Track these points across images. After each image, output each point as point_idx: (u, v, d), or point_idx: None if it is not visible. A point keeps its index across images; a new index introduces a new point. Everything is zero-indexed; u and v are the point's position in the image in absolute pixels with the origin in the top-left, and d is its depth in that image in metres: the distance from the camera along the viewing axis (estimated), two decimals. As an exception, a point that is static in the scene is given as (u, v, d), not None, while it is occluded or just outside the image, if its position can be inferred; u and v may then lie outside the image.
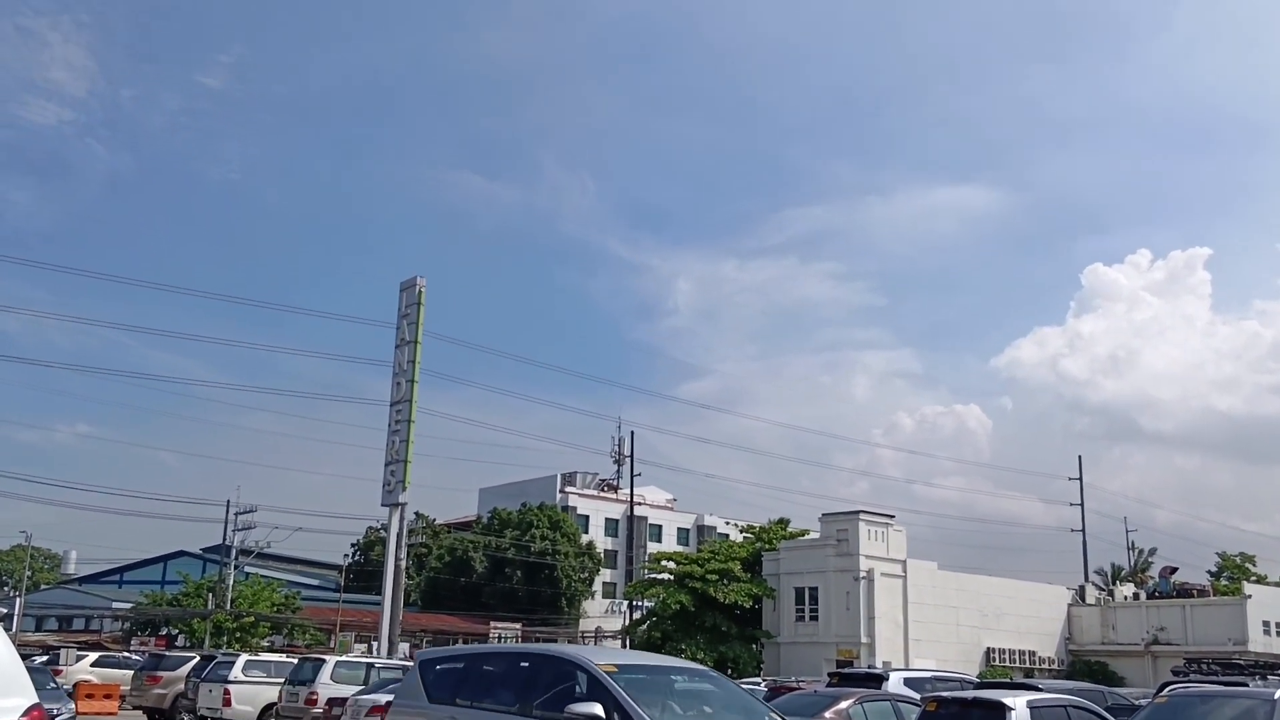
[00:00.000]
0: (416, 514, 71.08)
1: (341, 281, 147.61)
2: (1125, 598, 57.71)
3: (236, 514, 56.93)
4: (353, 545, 77.68)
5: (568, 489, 78.38)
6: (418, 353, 47.62)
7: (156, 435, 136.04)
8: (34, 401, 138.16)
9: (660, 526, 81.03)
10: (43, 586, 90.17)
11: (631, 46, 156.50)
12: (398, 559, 46.14)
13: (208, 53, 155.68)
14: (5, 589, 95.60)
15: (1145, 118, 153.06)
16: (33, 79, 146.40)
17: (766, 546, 54.96)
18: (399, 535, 46.60)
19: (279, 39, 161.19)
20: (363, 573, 68.70)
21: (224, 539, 58.52)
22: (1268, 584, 58.02)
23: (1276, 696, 13.71)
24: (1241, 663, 42.22)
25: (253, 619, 52.65)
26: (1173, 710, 14.09)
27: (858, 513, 51.59)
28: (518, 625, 62.68)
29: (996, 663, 50.80)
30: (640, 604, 58.44)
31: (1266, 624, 49.07)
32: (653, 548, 72.92)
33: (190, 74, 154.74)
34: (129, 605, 60.28)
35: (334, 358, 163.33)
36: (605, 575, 75.37)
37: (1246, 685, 19.55)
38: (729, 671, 40.92)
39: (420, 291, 48.03)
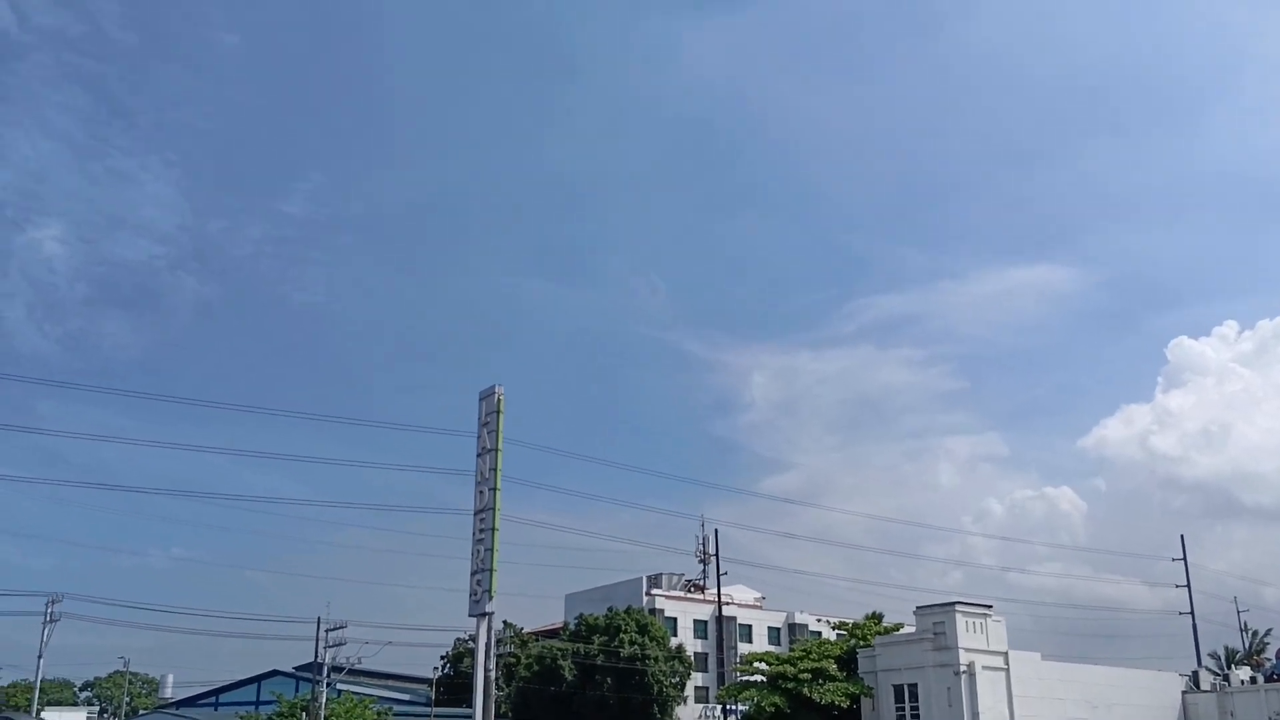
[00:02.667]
0: (504, 623, 70.82)
1: (423, 394, 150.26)
2: (1242, 682, 55.05)
3: (327, 630, 57.27)
4: (442, 658, 77.43)
5: (654, 591, 77.55)
6: (499, 460, 48.01)
7: (248, 555, 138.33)
8: (131, 528, 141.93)
9: (750, 626, 79.56)
10: (141, 712, 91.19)
11: (694, 149, 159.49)
12: (487, 670, 45.89)
13: (287, 181, 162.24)
14: (106, 715, 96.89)
15: (1217, 187, 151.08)
16: (125, 217, 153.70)
17: (861, 643, 53.62)
18: (487, 646, 46.43)
19: (353, 163, 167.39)
20: (453, 685, 68.26)
21: (316, 656, 58.78)
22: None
23: None
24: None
25: (346, 738, 52.54)
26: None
27: (953, 604, 50.18)
28: (610, 734, 61.57)
29: (1112, 756, 48.62)
30: (734, 707, 57.17)
31: (1399, 705, 46.41)
32: (743, 648, 71.56)
33: (272, 203, 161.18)
34: (225, 728, 60.59)
35: (419, 469, 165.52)
36: (697, 679, 73.93)
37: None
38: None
39: (499, 400, 48.64)
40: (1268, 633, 70.36)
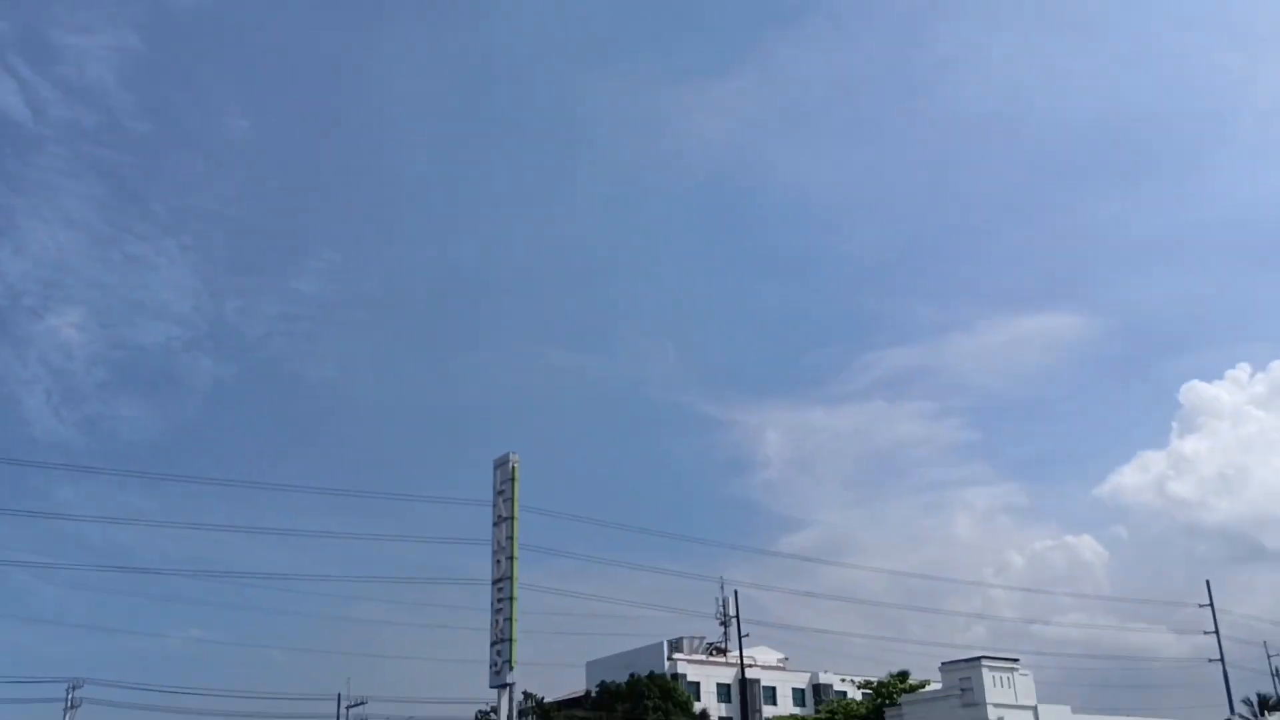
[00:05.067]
0: (525, 693, 69.96)
1: (439, 466, 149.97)
2: (1279, 730, 54.00)
3: (348, 707, 56.78)
4: (463, 730, 76.48)
5: (675, 656, 76.64)
6: (515, 528, 47.84)
7: (266, 634, 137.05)
8: (149, 610, 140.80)
9: (774, 688, 78.40)
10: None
11: (700, 216, 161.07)
12: (510, 742, 45.33)
13: (301, 260, 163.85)
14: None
15: (1221, 232, 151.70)
16: (142, 301, 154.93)
17: (888, 702, 52.99)
18: (509, 717, 45.91)
19: (366, 242, 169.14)
20: (475, 759, 67.24)
21: (336, 734, 58.19)
22: None
23: None
24: None
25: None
26: None
27: (979, 659, 49.61)
28: (637, 803, 60.59)
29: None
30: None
31: None
32: (768, 711, 70.51)
33: (287, 281, 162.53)
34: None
35: (436, 540, 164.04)
36: (722, 744, 72.80)
37: None
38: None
39: (514, 467, 48.60)
40: (1302, 679, 69.07)
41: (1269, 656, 70.88)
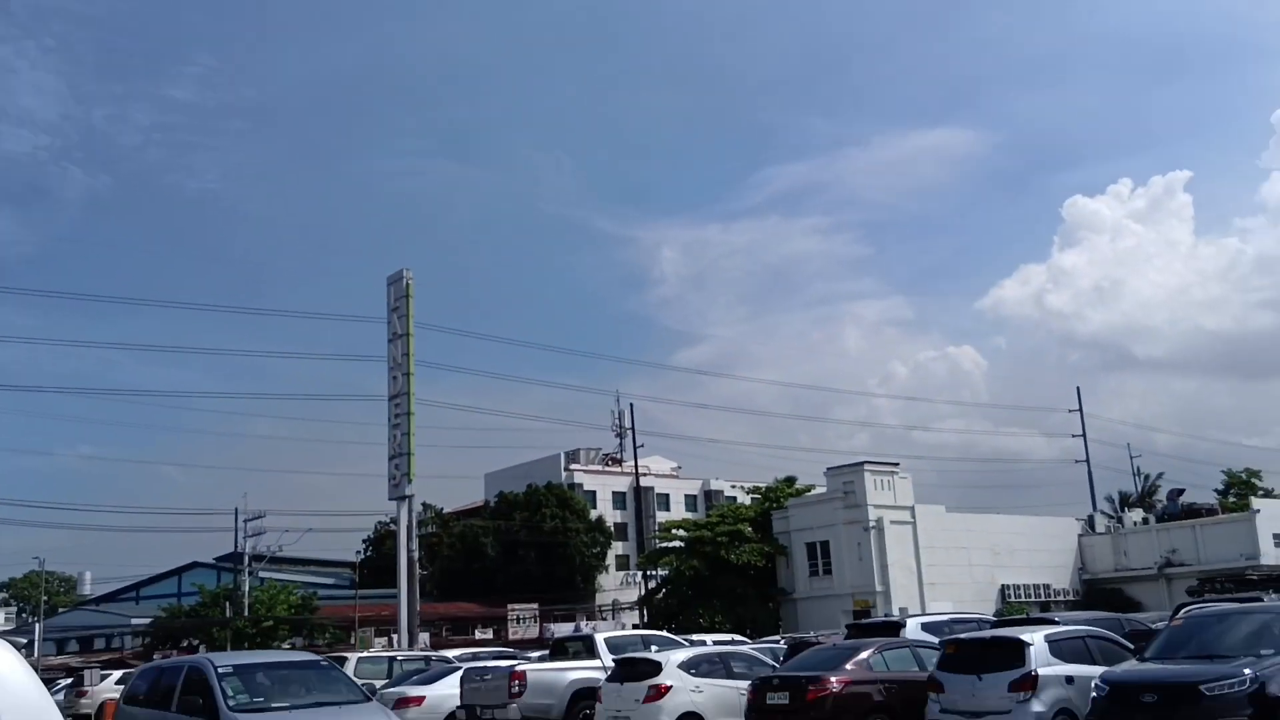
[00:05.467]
0: (424, 505, 71.18)
1: (329, 281, 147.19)
2: (1135, 523, 58.06)
3: (245, 521, 57.01)
4: (364, 541, 77.78)
5: (572, 466, 78.45)
6: (411, 345, 47.52)
7: (159, 451, 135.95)
8: (34, 428, 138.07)
9: (667, 495, 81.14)
10: (60, 610, 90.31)
11: (590, 25, 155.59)
12: (410, 551, 46.25)
13: (174, 65, 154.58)
14: (23, 615, 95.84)
15: (1111, 46, 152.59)
16: (4, 107, 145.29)
17: (775, 506, 55.21)
18: (409, 528, 46.71)
19: (242, 46, 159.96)
20: (376, 568, 68.79)
21: (235, 547, 58.62)
22: (1275, 497, 58.30)
23: (1291, 608, 13.81)
24: (1254, 578, 42.60)
25: (272, 622, 52.81)
26: (1189, 631, 14.19)
27: (862, 464, 51.80)
28: (534, 605, 62.94)
29: (1012, 599, 51.22)
30: (654, 573, 58.72)
31: (1277, 537, 49.37)
32: (662, 517, 73.16)
33: (159, 88, 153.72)
34: (147, 620, 60.41)
35: (329, 357, 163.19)
36: (617, 548, 75.56)
37: (1261, 600, 19.75)
38: (748, 632, 41.12)
39: (408, 284, 47.88)
40: (1159, 476, 73.88)
41: (1131, 458, 75.54)
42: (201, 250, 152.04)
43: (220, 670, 12.14)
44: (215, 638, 52.52)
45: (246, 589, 55.47)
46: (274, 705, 11.89)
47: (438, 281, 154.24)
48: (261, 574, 59.68)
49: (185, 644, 54.84)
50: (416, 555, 47.81)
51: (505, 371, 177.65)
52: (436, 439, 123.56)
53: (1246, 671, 12.16)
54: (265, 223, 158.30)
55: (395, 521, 49.95)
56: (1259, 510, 51.13)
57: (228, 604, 55.59)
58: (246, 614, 53.46)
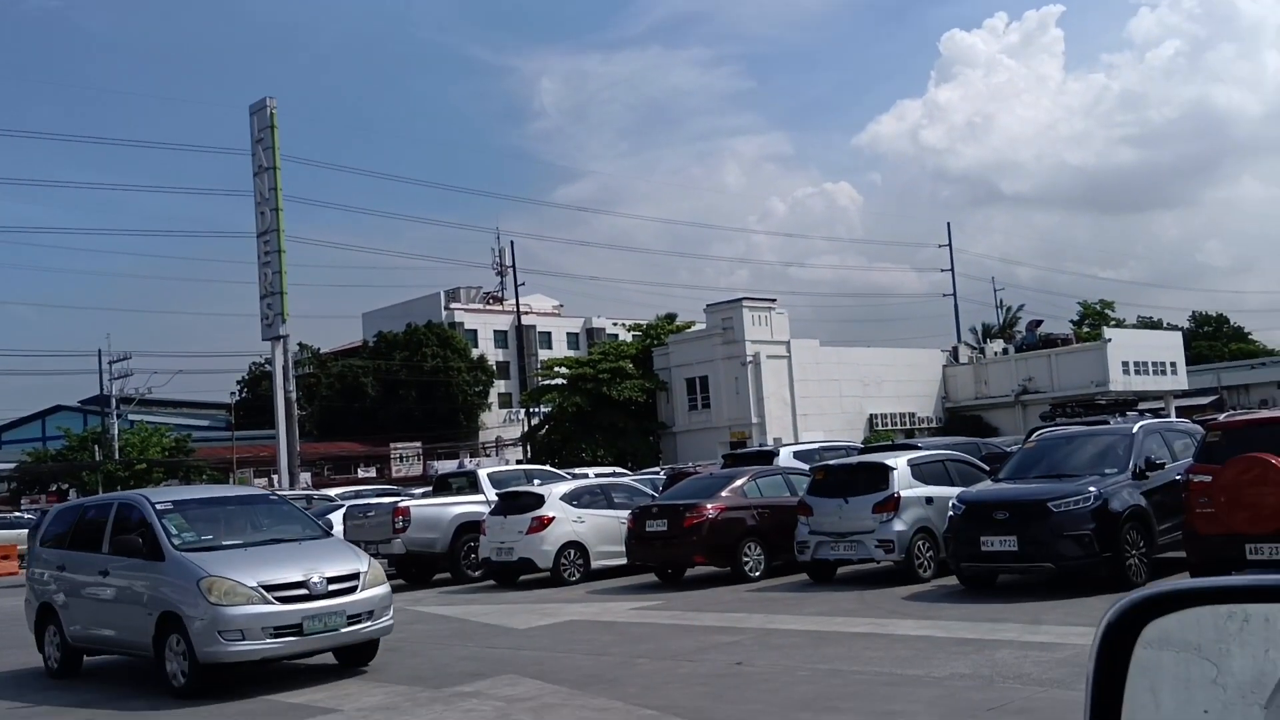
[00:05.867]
0: (300, 345, 70.11)
1: (192, 111, 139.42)
2: (995, 354, 60.65)
3: (110, 363, 55.37)
4: (239, 383, 76.59)
5: (452, 305, 77.87)
6: (278, 179, 45.83)
7: (11, 290, 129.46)
8: None
9: (549, 333, 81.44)
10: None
11: None
12: (286, 391, 45.73)
13: None
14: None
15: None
16: None
17: (655, 342, 56.00)
18: (285, 368, 46.04)
19: None
20: (253, 409, 67.97)
21: (101, 389, 57.08)
22: (1126, 327, 61.52)
23: (1134, 430, 14.71)
24: (1103, 402, 45.26)
25: (145, 465, 52.00)
26: (1040, 453, 15.05)
27: (740, 300, 52.67)
28: (417, 444, 63.27)
29: (879, 427, 53.44)
30: (537, 410, 59.38)
31: (1125, 364, 52.28)
32: (544, 355, 73.53)
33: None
34: (12, 465, 58.84)
35: (192, 192, 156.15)
36: (500, 386, 76.00)
37: (1107, 422, 20.98)
38: (629, 465, 42.20)
39: (272, 113, 45.82)
40: (1020, 308, 77.10)
41: (995, 291, 78.51)
42: (45, 75, 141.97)
43: (158, 506, 11.00)
44: (85, 482, 51.56)
45: (116, 432, 54.28)
46: (225, 543, 10.84)
47: (307, 112, 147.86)
48: (131, 417, 58.40)
49: (54, 489, 53.74)
50: (294, 395, 47.30)
51: (381, 208, 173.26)
52: (311, 277, 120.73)
53: (1091, 489, 13.01)
54: (116, 45, 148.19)
55: (270, 362, 49.13)
56: (1110, 340, 53.90)
57: (96, 447, 54.39)
58: (117, 457, 52.47)
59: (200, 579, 9.93)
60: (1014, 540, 12.89)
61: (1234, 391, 64.25)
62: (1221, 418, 15.51)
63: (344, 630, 10.28)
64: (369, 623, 10.49)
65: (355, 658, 11.03)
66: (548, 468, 28.58)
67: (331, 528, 20.78)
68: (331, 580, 10.30)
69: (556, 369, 57.34)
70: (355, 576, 10.52)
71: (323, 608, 10.11)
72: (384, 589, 10.76)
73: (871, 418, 54.36)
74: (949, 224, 77.65)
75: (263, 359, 62.61)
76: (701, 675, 9.62)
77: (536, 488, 19.50)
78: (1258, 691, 1.07)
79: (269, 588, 9.97)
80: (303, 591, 10.08)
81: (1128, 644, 1.02)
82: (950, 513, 13.86)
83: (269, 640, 9.89)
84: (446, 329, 72.34)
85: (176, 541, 10.54)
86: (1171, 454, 14.21)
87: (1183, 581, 0.99)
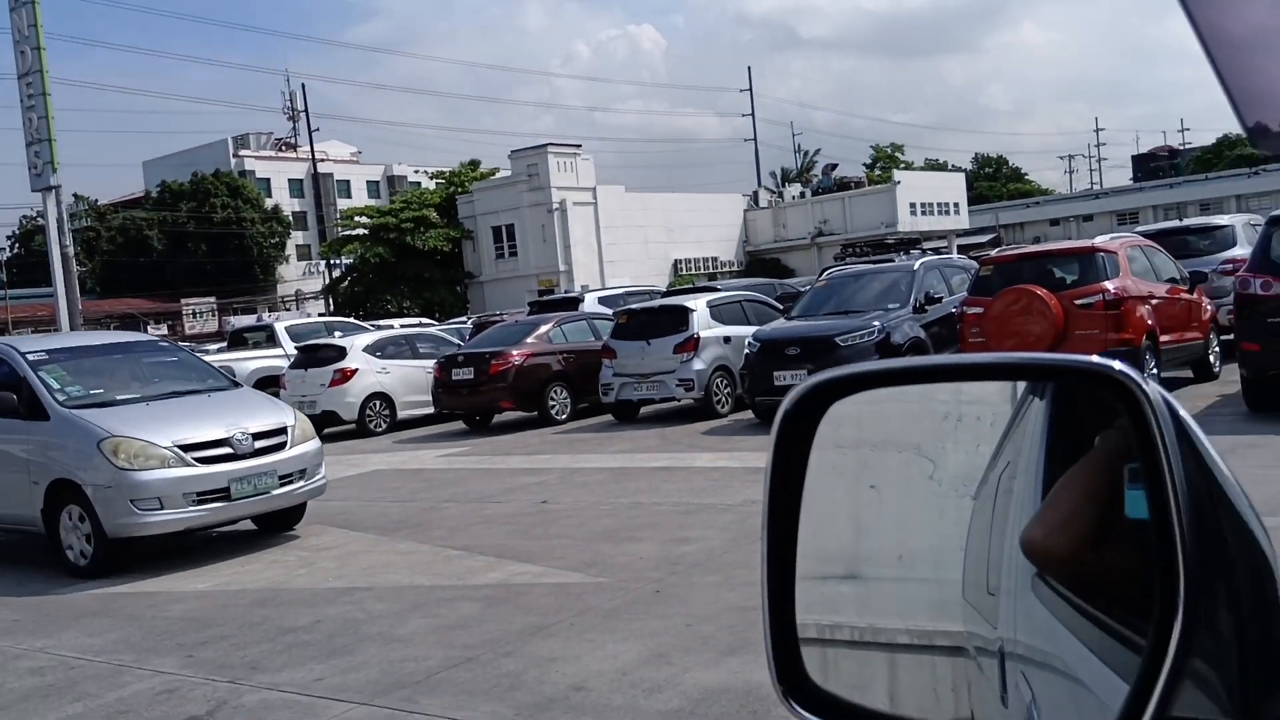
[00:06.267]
0: (75, 196, 65.46)
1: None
2: (793, 197, 62.20)
3: None
4: (9, 238, 71.32)
5: (242, 153, 73.79)
6: (38, 14, 41.72)
7: None
8: None
9: (348, 182, 78.51)
10: None
11: None
12: (63, 246, 42.72)
13: None
14: None
15: None
16: None
17: (459, 190, 54.90)
18: (59, 221, 42.92)
19: None
20: (26, 265, 63.46)
21: None
22: (914, 169, 64.02)
23: (915, 268, 15.60)
24: (890, 242, 47.45)
25: (-94, 331, 48.20)
26: (830, 291, 15.81)
27: (545, 146, 51.97)
28: (211, 299, 60.70)
29: (684, 272, 54.48)
30: (338, 262, 57.70)
31: (913, 205, 54.54)
32: (343, 204, 71.03)
33: None
34: None
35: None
36: (297, 238, 73.18)
37: (893, 261, 22.12)
38: (436, 315, 41.86)
39: (22, -61, 41.37)
40: (816, 152, 79.05)
41: (793, 135, 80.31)
42: None
43: (31, 358, 9.38)
44: None
45: None
46: (120, 398, 9.43)
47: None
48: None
49: None
50: (71, 250, 44.29)
51: (157, 47, 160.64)
52: (84, 123, 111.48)
53: (875, 324, 13.82)
54: None
55: (43, 215, 45.70)
56: (899, 182, 56.00)
57: None
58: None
59: (101, 440, 8.59)
60: (805, 374, 13.57)
61: (1011, 230, 68.30)
62: (993, 253, 16.61)
63: (276, 492, 9.16)
64: (302, 482, 9.40)
65: (281, 522, 9.90)
66: (351, 320, 28.08)
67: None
68: (257, 436, 9.11)
69: (357, 219, 55.61)
70: (283, 431, 9.38)
71: (251, 468, 8.95)
72: (315, 444, 9.74)
73: (676, 263, 55.26)
74: (749, 69, 78.39)
75: (34, 212, 58.25)
76: (507, 515, 9.90)
77: (338, 340, 19.19)
78: (921, 465, 1.13)
79: (186, 447, 8.72)
80: (226, 450, 8.88)
81: (808, 431, 1.04)
82: (746, 350, 14.48)
83: (192, 508, 8.67)
84: (236, 178, 68.73)
85: (61, 397, 9.10)
86: (949, 289, 15.20)
87: (858, 365, 1.02)
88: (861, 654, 1.12)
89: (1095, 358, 0.85)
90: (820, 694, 1.01)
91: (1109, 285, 11.89)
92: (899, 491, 1.17)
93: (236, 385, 10.64)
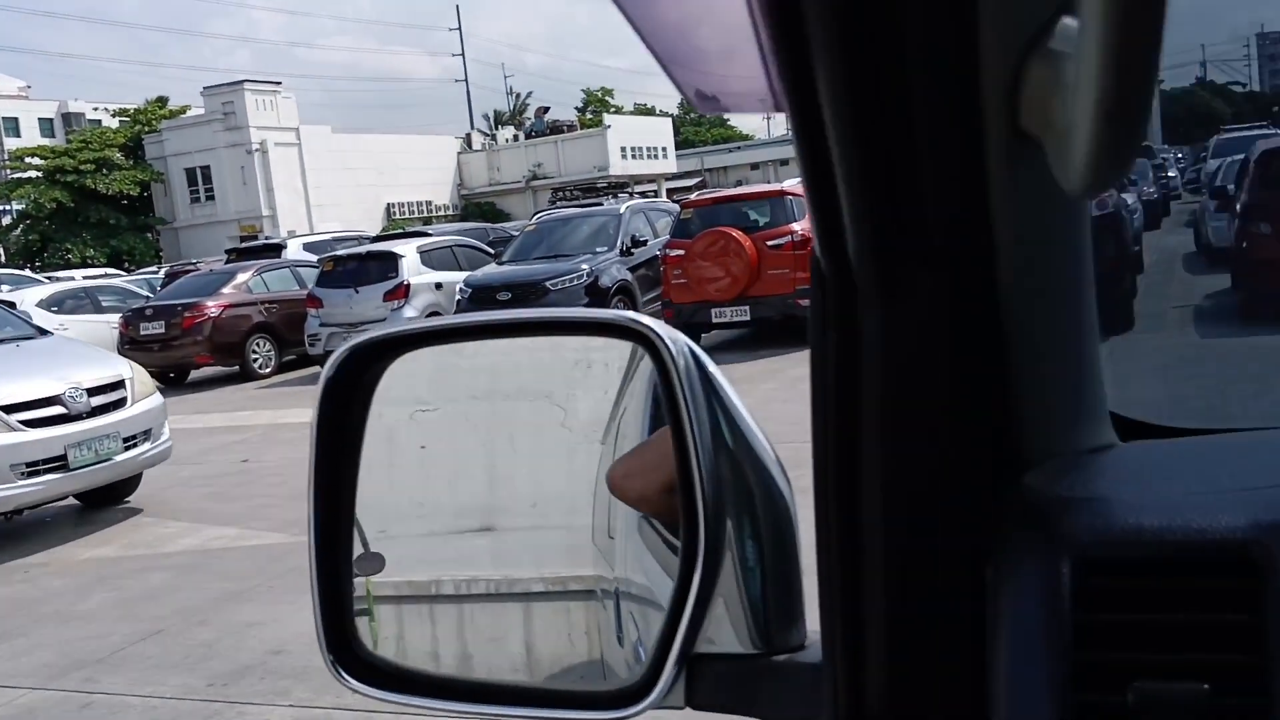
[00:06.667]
0: None
1: None
2: (507, 140, 61.98)
3: None
4: None
5: (-118, 85, 65.28)
6: None
7: None
8: None
9: (16, 119, 71.24)
10: None
11: None
12: None
13: None
14: None
15: None
16: None
17: (147, 130, 51.11)
18: None
19: None
20: None
21: None
22: (625, 114, 65.17)
23: (622, 210, 15.96)
24: (600, 186, 48.25)
25: None
26: (540, 234, 15.93)
27: (242, 83, 49.15)
28: None
29: (397, 216, 53.24)
30: (8, 208, 52.42)
31: (624, 149, 55.61)
32: (11, 144, 64.36)
33: None
34: None
35: None
36: (-43, 181, 65.84)
37: (601, 204, 22.52)
38: (125, 265, 38.93)
39: None
40: (529, 95, 78.69)
41: (505, 77, 79.58)
42: None
43: None
44: None
45: None
46: None
47: None
48: None
49: None
50: None
51: None
52: None
53: (583, 267, 14.06)
54: None
55: None
56: (610, 126, 56.93)
57: None
58: None
59: None
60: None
61: (715, 173, 70.92)
62: (693, 196, 17.24)
63: (120, 458, 7.70)
64: (148, 445, 8.03)
65: (110, 495, 8.39)
66: (26, 272, 25.65)
67: None
68: (92, 392, 7.60)
69: (28, 160, 50.64)
70: (120, 384, 7.93)
71: (90, 430, 7.43)
72: (158, 399, 8.34)
73: (389, 207, 53.87)
74: (458, 6, 76.66)
75: None
76: (205, 477, 9.44)
77: (4, 295, 17.50)
78: (553, 413, 1.15)
79: (8, 408, 7.18)
80: (58, 410, 7.35)
81: (358, 395, 1.05)
82: (457, 296, 14.38)
83: (23, 482, 7.12)
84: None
85: None
86: (654, 231, 15.65)
87: (395, 328, 1.01)
88: (429, 614, 1.13)
89: (624, 312, 0.87)
90: (372, 660, 0.97)
91: (797, 227, 12.59)
92: (532, 440, 1.19)
93: (46, 332, 9.12)
